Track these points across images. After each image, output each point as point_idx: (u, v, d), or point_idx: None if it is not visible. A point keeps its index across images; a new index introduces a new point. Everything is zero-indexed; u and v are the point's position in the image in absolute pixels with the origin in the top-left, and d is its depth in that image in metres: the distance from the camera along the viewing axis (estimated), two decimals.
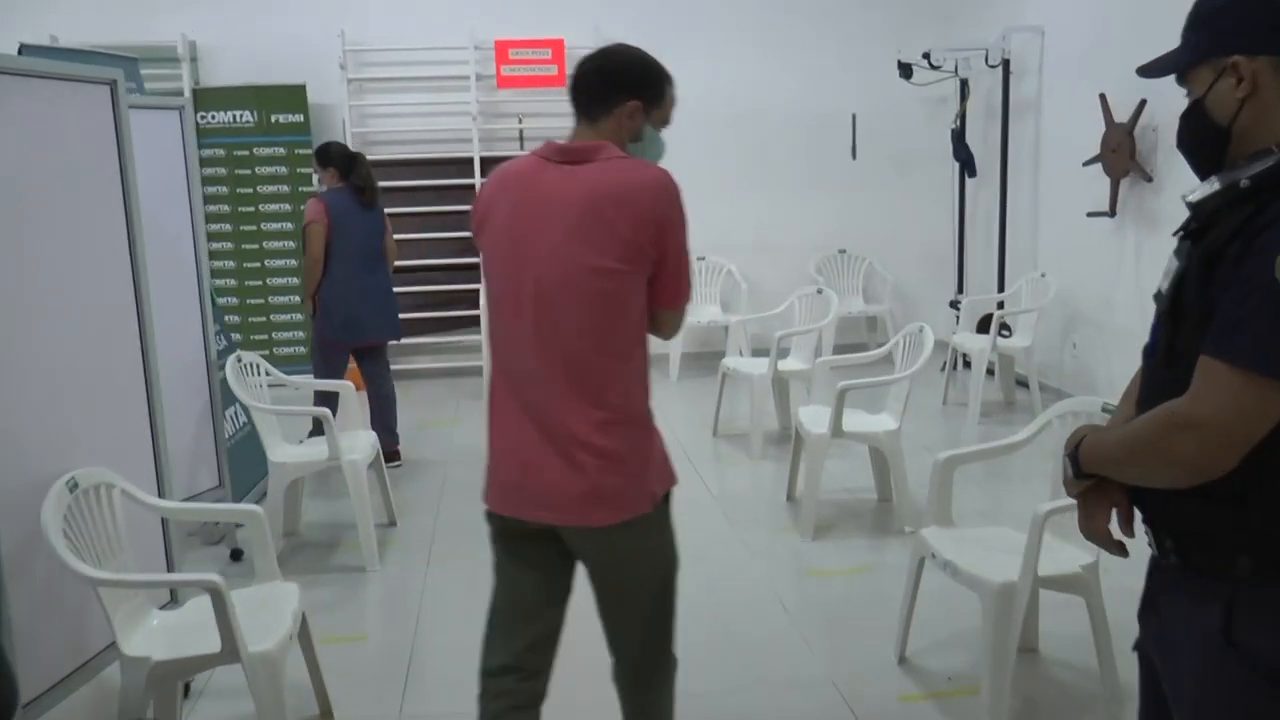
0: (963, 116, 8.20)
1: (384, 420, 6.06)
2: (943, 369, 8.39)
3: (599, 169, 2.23)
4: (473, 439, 6.69)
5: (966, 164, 8.20)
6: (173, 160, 4.54)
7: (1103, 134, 6.66)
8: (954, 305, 8.37)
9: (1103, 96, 6.65)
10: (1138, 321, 6.59)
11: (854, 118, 8.99)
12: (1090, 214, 6.79)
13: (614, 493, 2.24)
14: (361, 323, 5.91)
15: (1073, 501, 1.82)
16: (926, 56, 7.75)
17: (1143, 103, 6.22)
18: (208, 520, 4.83)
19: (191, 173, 4.66)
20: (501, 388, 2.33)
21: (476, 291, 8.05)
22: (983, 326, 7.72)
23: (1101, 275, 6.92)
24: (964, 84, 8.12)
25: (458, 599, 4.34)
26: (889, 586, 4.18)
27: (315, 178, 6.48)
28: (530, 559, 2.39)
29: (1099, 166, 6.73)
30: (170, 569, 3.63)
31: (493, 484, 2.37)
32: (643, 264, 2.22)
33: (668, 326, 2.38)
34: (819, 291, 6.80)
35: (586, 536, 2.28)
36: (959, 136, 8.21)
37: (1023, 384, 7.62)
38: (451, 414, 7.51)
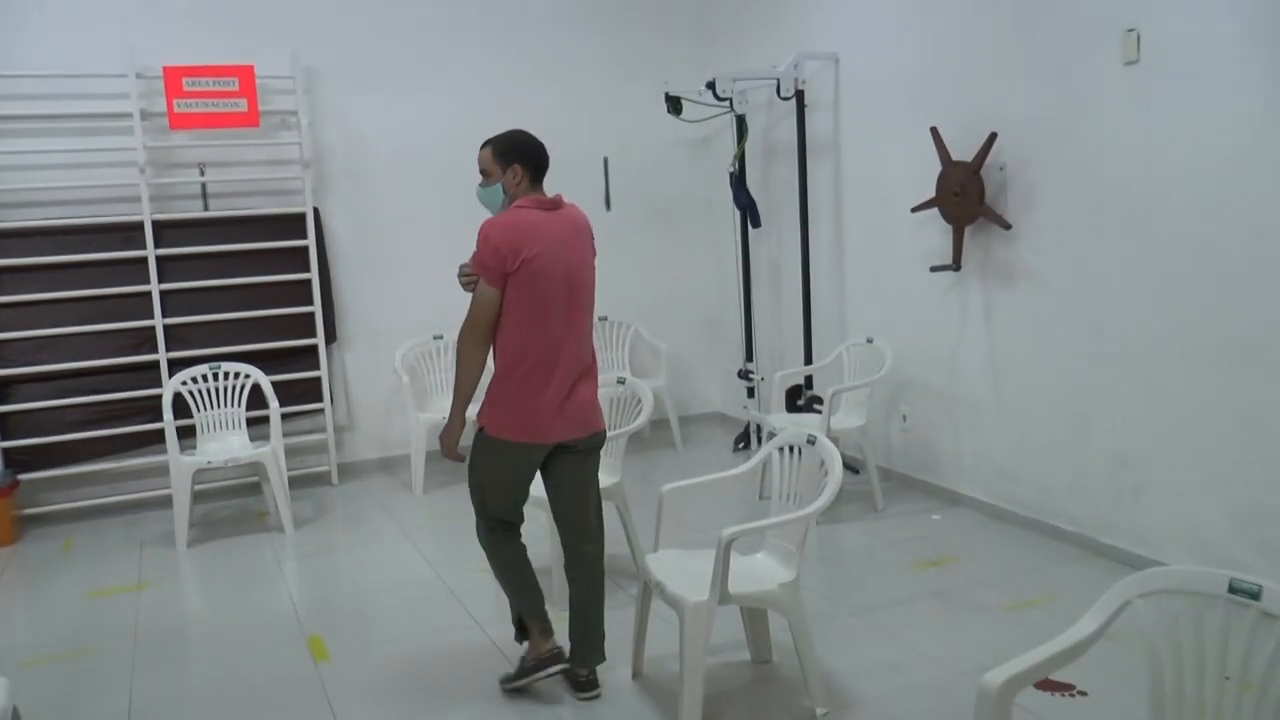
0: (741, 158, 7.09)
1: None
2: (736, 448, 7.26)
3: (567, 210, 3.70)
4: (170, 617, 4.89)
5: (749, 211, 7.08)
6: None
7: (939, 174, 5.69)
8: (744, 376, 7.24)
9: (935, 131, 5.69)
10: (988, 392, 5.65)
11: (606, 162, 7.71)
12: (935, 268, 5.79)
13: (600, 409, 3.78)
14: None
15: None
16: (711, 86, 6.56)
17: (993, 136, 5.27)
18: None
19: None
20: (542, 357, 3.52)
21: (158, 398, 6.13)
22: (792, 401, 6.61)
23: (941, 338, 5.95)
24: (741, 120, 7.01)
25: None
26: None
27: None
28: (539, 464, 3.73)
29: (931, 213, 5.77)
30: None
31: (546, 423, 3.57)
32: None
33: None
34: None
35: (595, 436, 3.74)
36: (739, 180, 7.09)
37: (851, 468, 6.56)
38: (134, 576, 5.54)
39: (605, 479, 4.52)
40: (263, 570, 5.51)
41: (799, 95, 6.63)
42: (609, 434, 4.11)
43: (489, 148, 3.62)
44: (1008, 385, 5.55)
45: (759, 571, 3.78)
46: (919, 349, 6.11)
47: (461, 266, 3.55)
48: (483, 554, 3.85)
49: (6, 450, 6.33)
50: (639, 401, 5.07)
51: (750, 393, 7.25)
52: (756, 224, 7.08)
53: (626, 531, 4.97)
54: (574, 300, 3.55)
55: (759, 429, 7.29)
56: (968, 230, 5.62)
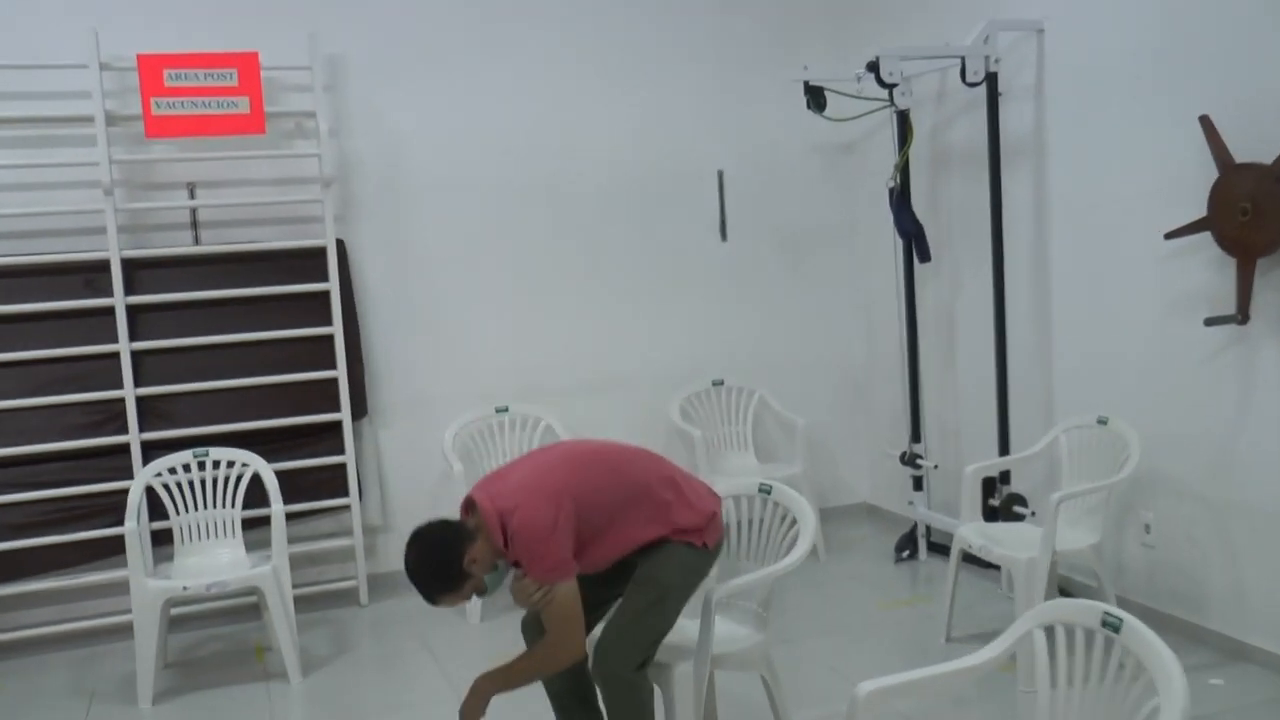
0: (904, 168, 5.30)
1: None
2: (899, 558, 5.44)
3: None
4: None
5: (915, 240, 5.28)
6: None
7: (1214, 184, 3.89)
8: (910, 462, 5.41)
9: (1207, 122, 3.89)
10: (1270, 494, 3.80)
11: (721, 178, 5.96)
12: (1211, 320, 3.94)
13: None
14: None
15: None
16: (873, 69, 4.78)
17: None
18: None
19: None
20: (661, 485, 3.14)
21: (125, 495, 4.53)
22: (992, 504, 4.78)
23: (1209, 419, 4.11)
24: (903, 118, 5.23)
25: None
26: None
27: None
28: None
29: (1195, 240, 3.97)
30: None
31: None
32: None
33: None
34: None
35: None
36: (901, 198, 5.30)
37: (1066, 594, 4.74)
38: None
39: (743, 638, 3.44)
40: None
41: (990, 80, 4.81)
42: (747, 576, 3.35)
43: (439, 594, 2.92)
44: None
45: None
46: (1172, 434, 4.27)
47: (521, 597, 2.96)
48: None
49: None
50: (792, 522, 3.42)
51: (918, 484, 5.41)
52: (925, 257, 5.27)
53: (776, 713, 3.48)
54: (609, 459, 3.17)
55: (928, 532, 5.45)
56: (1260, 264, 3.80)
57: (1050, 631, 2.38)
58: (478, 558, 2.88)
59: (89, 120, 4.81)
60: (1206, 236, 3.98)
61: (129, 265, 4.96)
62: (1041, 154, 4.79)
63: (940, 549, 5.46)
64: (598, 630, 3.13)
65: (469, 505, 2.99)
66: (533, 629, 3.19)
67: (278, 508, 4.53)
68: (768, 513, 3.50)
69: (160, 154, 5.04)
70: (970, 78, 4.79)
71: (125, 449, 4.94)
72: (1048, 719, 2.35)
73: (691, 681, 3.14)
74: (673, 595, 3.08)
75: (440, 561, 2.87)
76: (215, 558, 4.69)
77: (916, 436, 5.47)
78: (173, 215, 5.12)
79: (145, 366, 5.00)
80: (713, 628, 3.15)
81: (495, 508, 2.90)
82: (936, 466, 5.39)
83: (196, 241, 5.16)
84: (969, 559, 4.69)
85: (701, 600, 3.19)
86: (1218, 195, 3.91)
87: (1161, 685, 2.01)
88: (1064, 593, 4.75)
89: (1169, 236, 4.12)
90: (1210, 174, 3.93)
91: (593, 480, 3.03)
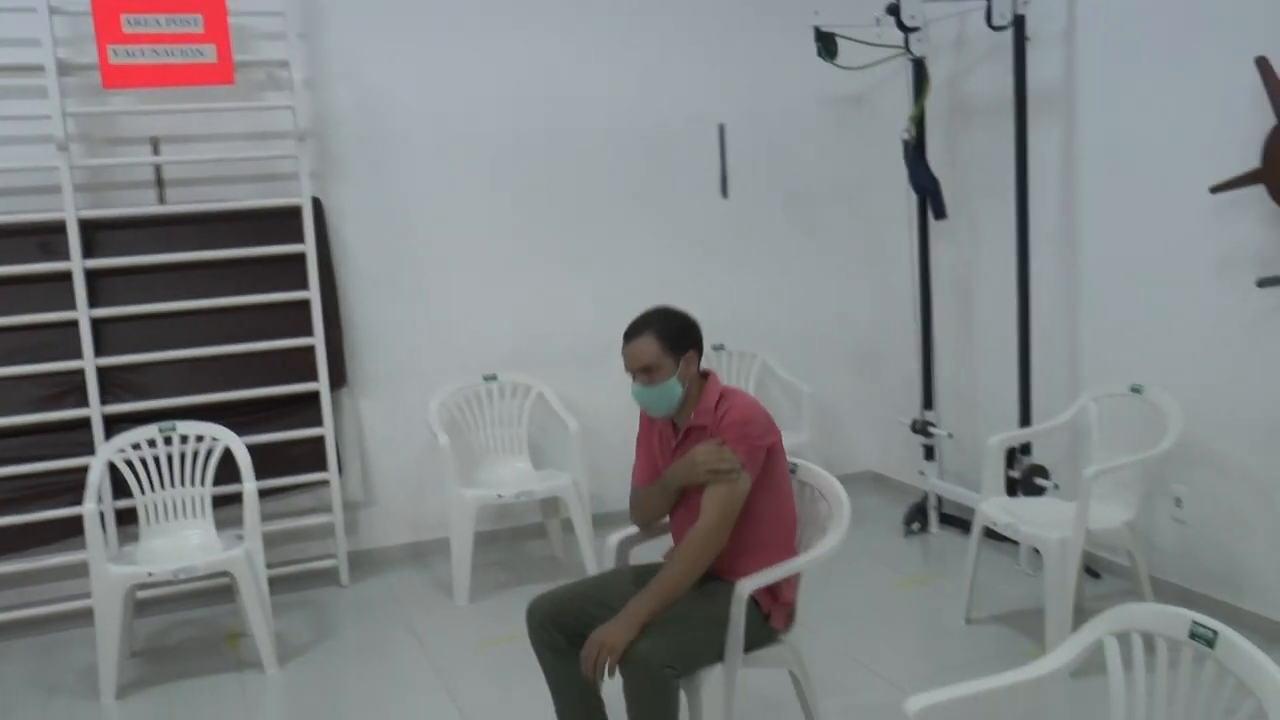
0: (920, 120, 4.96)
1: None
2: (909, 530, 5.17)
3: None
4: None
5: (931, 197, 4.95)
6: None
7: (1270, 133, 3.57)
8: (922, 431, 5.11)
9: (1264, 64, 3.57)
10: None
11: (722, 132, 5.60)
12: (1264, 281, 3.63)
13: None
14: None
15: None
16: (894, 11, 4.42)
17: None
18: None
19: None
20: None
21: (84, 470, 4.22)
22: (1012, 476, 4.48)
23: (1254, 389, 3.81)
24: (919, 66, 4.88)
25: None
26: None
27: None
28: None
29: (1246, 194, 3.64)
30: None
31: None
32: None
33: None
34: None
35: None
36: (916, 152, 4.96)
37: (1091, 572, 4.48)
38: None
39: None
40: None
41: (1018, 23, 4.46)
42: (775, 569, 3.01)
43: (651, 336, 2.91)
44: None
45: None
46: (1212, 403, 3.98)
47: (708, 457, 2.82)
48: None
49: None
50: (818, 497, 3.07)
51: (929, 453, 5.11)
52: (941, 214, 4.94)
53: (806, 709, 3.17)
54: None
55: (939, 504, 5.16)
56: None
57: (1124, 640, 2.07)
58: (690, 367, 2.91)
59: (39, 70, 4.44)
60: (1259, 190, 3.67)
61: (87, 226, 4.60)
62: (1071, 103, 4.45)
63: (952, 521, 5.17)
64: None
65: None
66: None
67: (250, 486, 4.21)
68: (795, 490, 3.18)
69: (120, 106, 4.67)
70: (996, 20, 4.44)
71: (85, 423, 4.60)
72: None
73: (722, 684, 2.84)
74: (721, 637, 2.85)
75: (683, 324, 2.92)
76: (184, 539, 4.37)
77: (929, 403, 5.16)
78: (135, 172, 4.76)
79: (106, 335, 4.65)
80: (742, 624, 2.84)
81: (723, 385, 2.95)
82: (951, 435, 5.09)
83: (161, 201, 4.80)
84: (985, 532, 4.41)
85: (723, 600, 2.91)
86: (1276, 144, 3.59)
87: (1275, 713, 1.70)
88: (1089, 572, 4.47)
89: (1215, 190, 3.80)
90: (1265, 121, 3.60)
91: (786, 487, 3.02)
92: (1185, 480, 4.13)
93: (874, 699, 3.64)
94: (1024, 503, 4.30)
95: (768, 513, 2.93)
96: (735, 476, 2.79)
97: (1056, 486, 4.43)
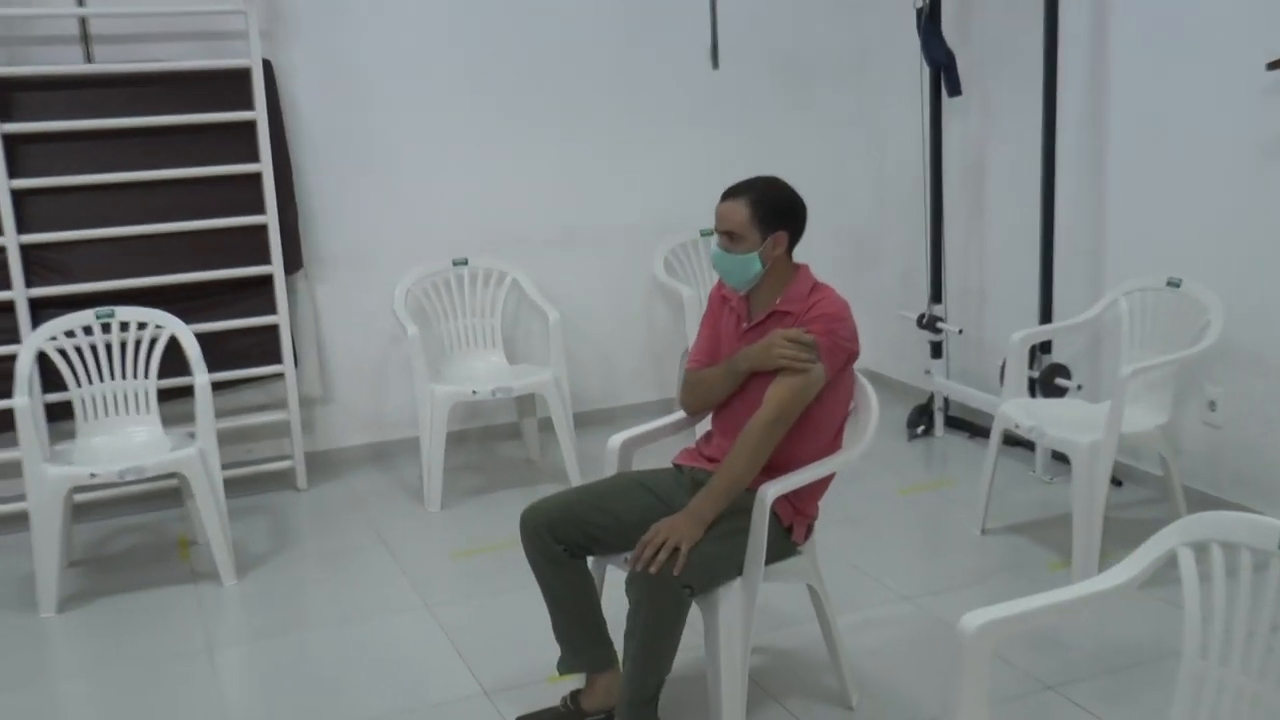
0: None
1: None
2: (912, 434, 4.88)
3: None
4: None
5: (945, 71, 4.55)
6: None
7: None
8: (930, 325, 4.78)
9: None
10: None
11: None
12: None
13: None
14: None
15: None
16: None
17: None
18: None
19: None
20: None
21: (10, 360, 3.81)
22: (1030, 376, 4.17)
23: None
24: None
25: None
26: None
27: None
28: None
29: None
30: None
31: None
32: None
33: None
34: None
35: None
36: (930, 23, 4.54)
37: (1114, 480, 4.20)
38: None
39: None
40: (180, 665, 3.29)
41: None
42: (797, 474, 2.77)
43: (745, 202, 2.72)
44: None
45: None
46: (1255, 299, 3.68)
47: (788, 341, 2.61)
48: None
49: None
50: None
51: (936, 350, 4.79)
52: (956, 90, 4.54)
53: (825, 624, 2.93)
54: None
55: (945, 405, 4.87)
56: None
57: (1203, 550, 1.85)
58: (778, 248, 2.71)
59: None
60: None
61: (3, 86, 4.07)
62: None
63: (959, 424, 4.88)
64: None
65: None
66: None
67: (202, 378, 3.80)
68: None
69: None
70: None
71: (9, 307, 4.13)
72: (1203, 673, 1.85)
73: (740, 599, 2.58)
74: (741, 551, 2.63)
75: (785, 203, 2.74)
76: (127, 437, 3.95)
77: (937, 297, 4.82)
78: (57, 25, 4.21)
79: (30, 209, 4.15)
80: (765, 534, 2.57)
81: (817, 280, 2.77)
82: (961, 331, 4.76)
83: (88, 59, 4.26)
84: (986, 433, 4.12)
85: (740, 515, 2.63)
86: None
87: None
88: (1114, 480, 4.20)
89: (1272, 66, 3.43)
90: None
91: (842, 410, 2.83)
92: (1221, 381, 3.84)
93: (887, 612, 3.39)
94: (1044, 404, 4.01)
95: (816, 426, 2.72)
96: (811, 369, 2.59)
97: (1079, 387, 4.13)
